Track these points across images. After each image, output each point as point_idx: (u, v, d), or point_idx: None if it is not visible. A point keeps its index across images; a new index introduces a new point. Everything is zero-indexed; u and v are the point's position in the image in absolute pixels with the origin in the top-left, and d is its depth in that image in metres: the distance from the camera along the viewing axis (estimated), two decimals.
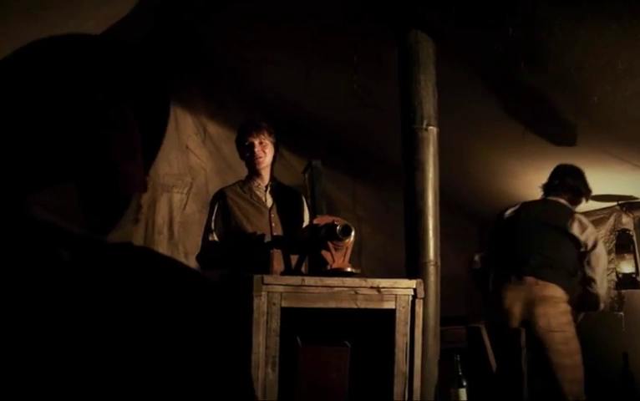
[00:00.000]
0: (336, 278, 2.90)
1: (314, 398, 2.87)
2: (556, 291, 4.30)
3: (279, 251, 3.20)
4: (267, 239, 3.69)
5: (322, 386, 2.88)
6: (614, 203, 5.43)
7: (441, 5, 3.41)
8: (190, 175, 5.44)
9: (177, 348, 0.94)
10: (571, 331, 4.31)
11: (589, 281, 4.36)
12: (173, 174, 5.29)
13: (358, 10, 3.65)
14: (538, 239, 4.41)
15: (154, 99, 1.15)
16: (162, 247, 5.18)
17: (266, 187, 3.90)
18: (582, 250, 4.37)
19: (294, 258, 3.41)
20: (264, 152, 3.83)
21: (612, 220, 5.52)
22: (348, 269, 3.03)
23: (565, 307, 4.34)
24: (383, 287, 2.93)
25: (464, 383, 3.14)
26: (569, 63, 3.49)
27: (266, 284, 2.71)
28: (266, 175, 3.90)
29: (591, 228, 4.43)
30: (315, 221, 3.18)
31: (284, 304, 2.74)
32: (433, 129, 3.44)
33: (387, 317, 2.95)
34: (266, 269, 3.06)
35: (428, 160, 3.42)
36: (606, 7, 3.02)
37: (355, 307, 2.89)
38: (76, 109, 1.00)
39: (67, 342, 0.89)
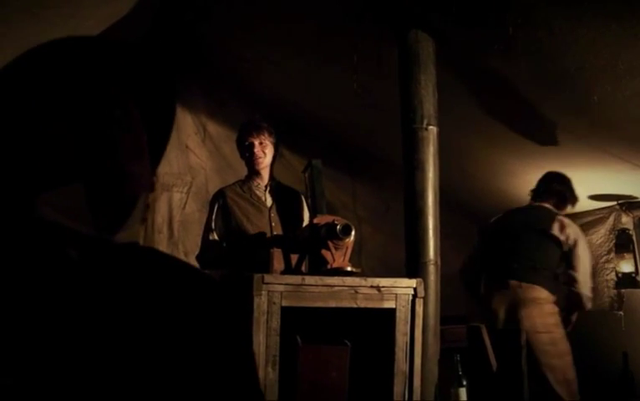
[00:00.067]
0: (336, 277, 2.90)
1: (314, 397, 2.87)
2: (540, 293, 4.35)
3: (279, 250, 3.20)
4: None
5: (322, 385, 2.89)
6: (614, 202, 5.43)
7: (441, 5, 3.41)
8: (190, 174, 5.44)
9: (185, 347, 0.95)
10: (558, 332, 4.32)
11: (572, 280, 4.39)
12: (173, 173, 5.29)
13: (358, 9, 3.65)
14: (522, 243, 4.48)
15: (160, 100, 1.15)
16: (162, 246, 5.18)
17: (266, 187, 3.91)
18: (565, 249, 4.41)
19: (294, 257, 3.41)
20: (264, 152, 3.83)
21: (611, 219, 5.52)
22: (349, 268, 3.04)
23: (550, 308, 4.37)
24: (384, 287, 2.93)
25: (464, 383, 3.14)
26: (569, 63, 3.49)
27: (267, 283, 2.71)
28: (265, 174, 3.90)
29: (572, 228, 4.46)
30: (315, 221, 3.19)
31: (284, 303, 2.74)
32: (433, 129, 3.44)
33: (387, 317, 2.95)
34: (267, 268, 3.06)
35: (428, 160, 3.42)
36: (607, 7, 3.02)
37: (355, 306, 2.89)
38: (83, 110, 1.01)
39: (75, 341, 0.89)
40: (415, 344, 2.96)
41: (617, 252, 5.44)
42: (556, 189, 4.57)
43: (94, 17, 3.30)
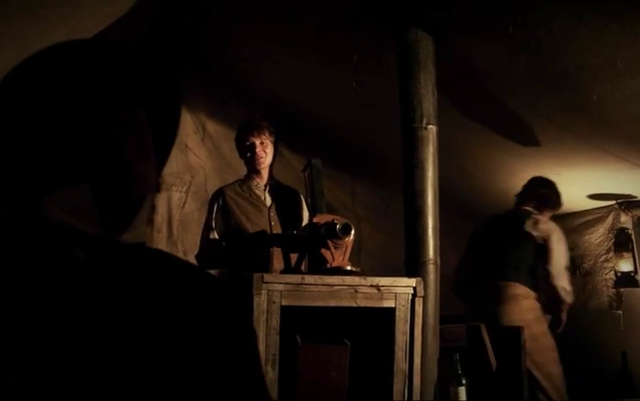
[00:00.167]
0: (336, 277, 2.90)
1: (314, 396, 2.87)
2: (518, 289, 4.40)
3: (279, 249, 3.21)
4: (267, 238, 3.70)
5: (321, 384, 2.89)
6: (613, 202, 5.44)
7: (441, 4, 3.41)
8: (189, 173, 5.43)
9: (191, 348, 0.95)
10: (539, 328, 4.34)
11: (547, 274, 4.41)
12: (172, 172, 5.29)
13: (358, 9, 3.64)
14: (500, 244, 4.58)
15: (164, 100, 1.15)
16: (161, 246, 5.17)
17: (266, 186, 3.91)
18: (539, 243, 4.45)
19: (294, 257, 3.42)
20: (265, 152, 3.83)
21: (610, 218, 5.53)
22: (348, 267, 3.04)
23: (529, 304, 4.41)
24: (383, 286, 2.93)
25: (464, 382, 3.15)
26: (569, 62, 3.49)
27: (266, 282, 2.71)
28: (265, 174, 3.90)
29: (545, 224, 4.51)
30: (315, 220, 3.19)
31: (284, 302, 2.74)
32: (432, 128, 3.44)
33: (386, 316, 2.95)
34: (266, 267, 3.06)
35: (427, 159, 3.42)
36: (606, 6, 3.02)
37: (355, 305, 2.89)
38: (89, 111, 1.01)
39: (80, 339, 0.90)
40: (415, 343, 2.96)
41: (615, 251, 5.45)
42: (538, 192, 4.65)
43: (94, 16, 3.30)
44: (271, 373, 2.65)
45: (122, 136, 1.02)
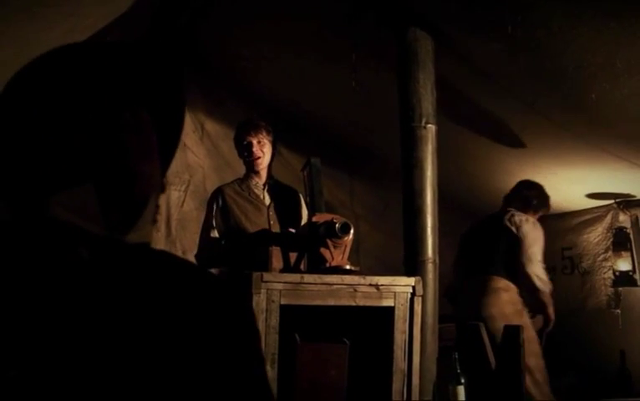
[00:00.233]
0: (335, 276, 2.90)
1: (313, 395, 2.88)
2: (498, 283, 4.46)
3: (278, 248, 3.21)
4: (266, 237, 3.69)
5: (321, 383, 2.89)
6: (611, 201, 5.45)
7: (440, 3, 3.41)
8: (188, 172, 5.43)
9: (195, 348, 0.95)
10: (517, 320, 4.35)
11: (520, 263, 4.44)
12: (170, 171, 5.23)
13: (357, 8, 3.64)
14: (484, 242, 4.68)
15: (169, 101, 1.16)
16: (159, 245, 5.17)
17: (264, 185, 3.90)
18: (516, 236, 4.49)
19: (293, 256, 3.42)
20: (262, 151, 3.83)
21: (609, 217, 5.54)
22: (347, 266, 3.04)
23: (509, 297, 4.45)
24: (382, 285, 2.93)
25: (463, 381, 3.15)
26: (567, 62, 3.49)
27: (266, 281, 2.71)
28: (264, 173, 3.90)
29: (520, 217, 4.55)
30: (314, 219, 3.19)
31: (283, 301, 2.74)
32: (431, 127, 3.44)
33: (385, 315, 2.95)
34: (265, 266, 3.06)
35: (426, 158, 3.42)
36: (606, 6, 3.02)
37: (354, 304, 2.89)
38: (94, 113, 1.02)
39: (83, 337, 0.90)
40: (414, 342, 2.96)
41: (614, 250, 5.46)
42: (523, 194, 4.70)
43: (93, 15, 3.30)
44: (270, 372, 2.65)
45: (126, 137, 1.03)
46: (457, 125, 4.40)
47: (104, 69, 1.09)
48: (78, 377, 0.88)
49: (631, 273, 5.38)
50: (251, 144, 3.81)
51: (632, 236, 5.41)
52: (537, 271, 4.40)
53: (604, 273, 5.54)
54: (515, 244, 4.45)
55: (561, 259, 5.89)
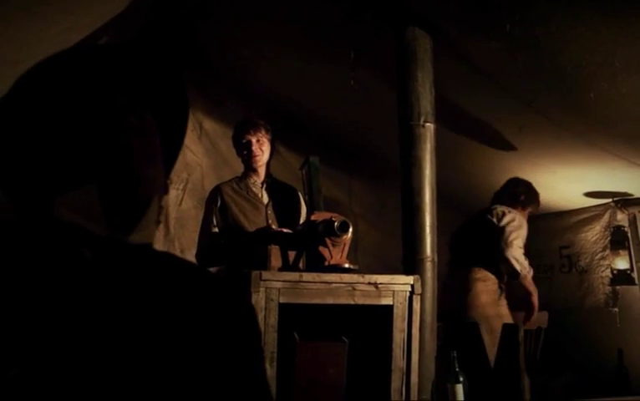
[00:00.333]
0: (334, 274, 2.91)
1: (312, 393, 2.88)
2: (477, 274, 4.50)
3: (277, 247, 3.21)
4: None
5: (319, 382, 2.89)
6: (609, 200, 5.45)
7: (439, 2, 3.42)
8: (186, 171, 5.42)
9: (196, 349, 0.96)
10: (492, 310, 4.41)
11: (500, 250, 4.44)
12: None
13: (356, 7, 3.64)
14: (469, 238, 4.72)
15: (173, 103, 1.16)
16: (158, 243, 5.16)
17: (263, 184, 3.90)
18: (498, 227, 4.51)
19: (292, 254, 3.42)
20: (261, 150, 3.83)
21: (606, 216, 5.54)
22: (346, 265, 3.05)
23: (485, 287, 4.48)
24: (381, 283, 2.94)
25: (461, 379, 3.15)
26: (566, 61, 3.50)
27: (264, 280, 2.72)
28: (262, 171, 3.89)
29: (501, 209, 4.57)
30: (313, 217, 3.19)
31: (282, 300, 2.75)
32: (430, 126, 3.44)
33: (384, 313, 2.96)
34: (264, 265, 3.06)
35: (425, 157, 3.43)
36: (604, 5, 3.03)
37: (353, 303, 2.90)
38: (97, 116, 1.03)
39: (85, 337, 0.90)
40: (412, 341, 2.96)
41: (612, 249, 5.46)
42: (510, 190, 4.71)
43: (92, 14, 3.30)
44: (269, 371, 2.66)
45: (129, 139, 1.03)
46: (456, 124, 4.41)
47: (108, 72, 1.09)
48: (79, 376, 0.88)
49: (628, 272, 5.38)
50: (250, 143, 3.81)
51: (629, 235, 5.41)
52: (515, 254, 4.40)
53: (602, 272, 5.55)
54: (496, 235, 4.47)
55: (558, 257, 5.90)
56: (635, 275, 5.36)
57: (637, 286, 5.37)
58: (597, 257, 5.59)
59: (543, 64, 3.61)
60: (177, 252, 5.17)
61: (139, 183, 1.04)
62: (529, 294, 4.48)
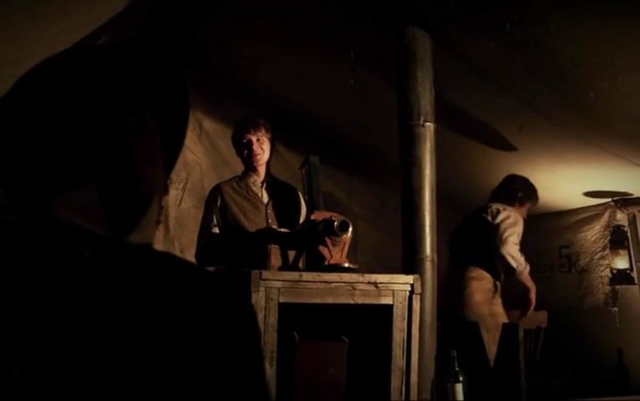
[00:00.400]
0: (333, 274, 2.91)
1: (311, 393, 2.88)
2: (472, 273, 4.52)
3: (276, 246, 3.21)
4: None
5: (319, 381, 2.89)
6: (609, 199, 5.45)
7: (438, 1, 3.42)
8: (186, 170, 5.42)
9: (196, 349, 0.96)
10: (485, 309, 4.42)
11: (495, 247, 4.45)
12: None
13: (356, 7, 3.64)
14: (465, 237, 4.73)
15: (173, 103, 1.16)
16: (157, 243, 5.13)
17: (263, 183, 3.90)
18: (493, 224, 4.52)
19: (291, 254, 3.42)
20: (262, 149, 3.82)
21: (606, 216, 5.54)
22: (346, 264, 3.05)
23: (480, 285, 4.50)
24: (381, 283, 2.94)
25: (461, 379, 3.15)
26: (566, 60, 3.50)
27: (264, 280, 2.72)
28: (262, 171, 3.89)
29: (496, 207, 4.58)
30: (312, 217, 3.19)
31: (282, 299, 2.75)
32: (430, 126, 3.44)
33: (384, 313, 2.96)
34: (264, 264, 3.06)
35: (425, 156, 3.43)
36: (604, 4, 3.03)
37: (352, 302, 2.90)
38: (98, 117, 1.03)
39: (85, 336, 0.91)
40: (412, 340, 2.96)
41: (611, 249, 5.46)
42: (508, 187, 4.71)
43: (91, 13, 3.30)
44: (268, 370, 2.66)
45: (130, 140, 1.04)
46: (455, 123, 4.41)
47: (108, 72, 1.09)
48: (80, 375, 0.89)
49: (628, 271, 5.38)
50: (250, 142, 3.80)
51: (629, 234, 5.41)
52: (511, 251, 4.40)
53: (601, 271, 5.55)
54: (492, 233, 4.47)
55: (558, 257, 5.90)
56: (634, 274, 5.36)
57: (636, 286, 5.37)
58: (597, 257, 5.59)
59: (543, 64, 3.61)
60: (177, 252, 5.17)
61: (140, 183, 1.04)
62: (526, 290, 4.49)
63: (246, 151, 3.83)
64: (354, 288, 2.90)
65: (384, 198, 5.60)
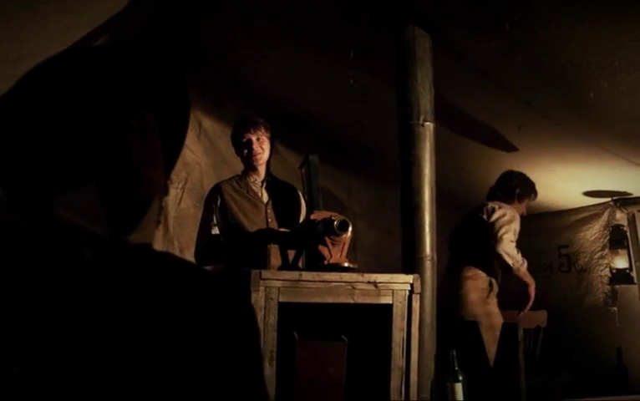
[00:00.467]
0: (333, 273, 2.91)
1: (311, 392, 2.88)
2: (468, 272, 4.54)
3: (276, 246, 3.21)
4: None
5: (319, 381, 2.89)
6: (608, 199, 5.46)
7: (438, 1, 3.42)
8: (185, 170, 5.43)
9: (196, 349, 0.96)
10: (480, 309, 4.42)
11: (491, 246, 4.45)
12: None
13: (355, 6, 3.65)
14: (462, 237, 4.74)
15: (174, 103, 1.16)
16: (157, 242, 5.13)
17: (263, 182, 3.89)
18: (489, 223, 4.52)
19: (291, 253, 3.42)
20: (262, 148, 3.82)
21: (605, 215, 5.55)
22: (346, 264, 3.05)
23: (475, 285, 4.51)
24: (380, 282, 2.94)
25: (461, 378, 3.15)
26: (565, 60, 3.50)
27: (264, 279, 2.71)
28: (262, 170, 3.89)
29: (492, 205, 4.58)
30: (312, 216, 3.19)
31: (281, 299, 2.74)
32: (429, 125, 3.44)
33: (384, 312, 2.95)
34: (264, 264, 3.06)
35: (424, 156, 3.43)
36: (604, 4, 3.03)
37: (352, 302, 2.90)
38: (98, 117, 1.03)
39: (85, 336, 0.91)
40: (412, 340, 2.96)
41: (611, 248, 5.47)
42: (505, 185, 4.71)
43: (91, 13, 3.29)
44: (268, 370, 2.66)
45: (130, 140, 1.03)
46: (455, 123, 4.41)
47: (108, 72, 1.09)
48: (80, 374, 0.89)
49: (627, 271, 5.39)
50: (250, 142, 3.80)
51: (628, 234, 5.42)
52: (507, 249, 4.40)
53: (601, 271, 5.55)
54: (487, 231, 4.47)
55: (557, 257, 5.90)
56: (634, 274, 5.37)
57: (636, 286, 5.37)
58: (596, 256, 5.60)
59: (542, 63, 3.61)
60: (176, 251, 5.17)
61: (140, 184, 1.04)
62: (526, 285, 4.48)
63: (245, 150, 3.83)
64: (354, 288, 2.90)
65: (384, 197, 5.60)
